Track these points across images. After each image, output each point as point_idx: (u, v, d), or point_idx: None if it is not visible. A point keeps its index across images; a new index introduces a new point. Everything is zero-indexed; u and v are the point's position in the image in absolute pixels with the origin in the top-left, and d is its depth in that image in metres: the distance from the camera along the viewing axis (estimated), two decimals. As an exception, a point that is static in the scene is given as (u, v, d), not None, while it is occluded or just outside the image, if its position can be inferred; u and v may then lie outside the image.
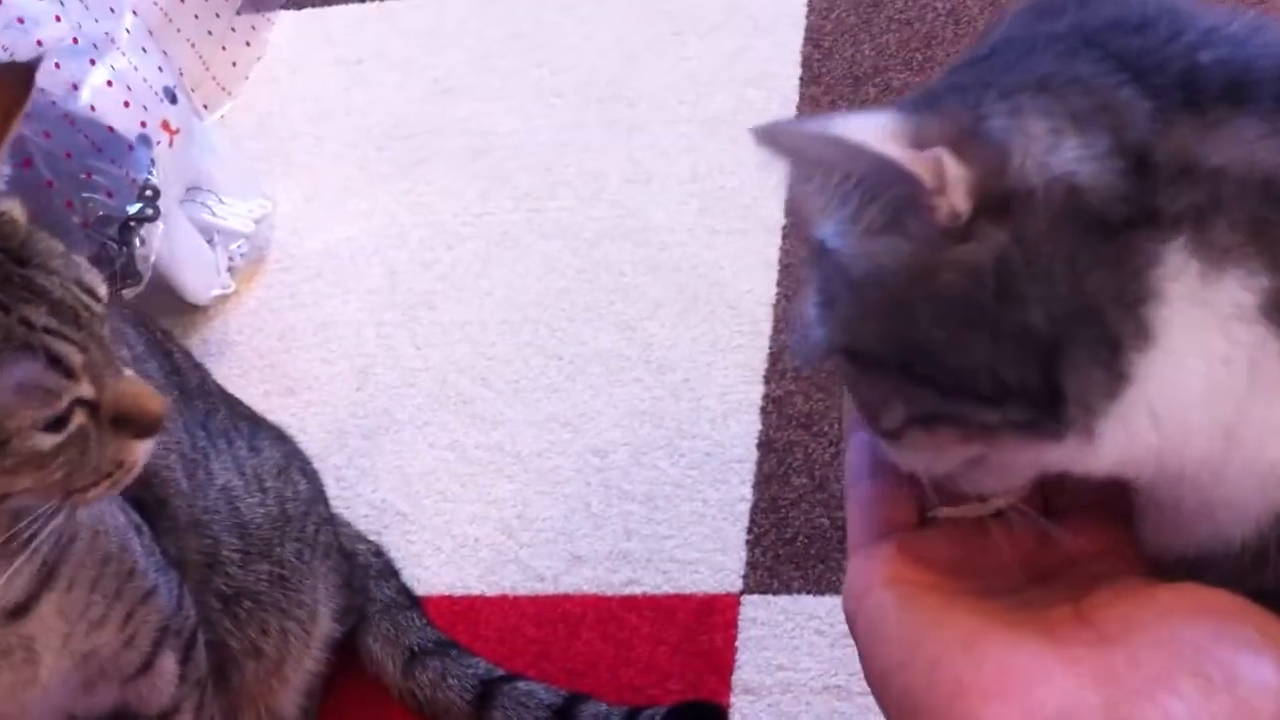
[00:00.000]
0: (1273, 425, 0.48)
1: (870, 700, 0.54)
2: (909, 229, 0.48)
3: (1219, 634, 0.48)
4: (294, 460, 1.16)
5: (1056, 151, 0.47)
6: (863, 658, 0.54)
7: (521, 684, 1.15)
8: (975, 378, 0.49)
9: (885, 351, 0.51)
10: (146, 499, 0.99)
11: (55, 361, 0.72)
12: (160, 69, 1.50)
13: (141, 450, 0.79)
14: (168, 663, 0.95)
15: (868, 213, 0.49)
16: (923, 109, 0.50)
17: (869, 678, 0.54)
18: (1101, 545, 0.55)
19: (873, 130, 0.47)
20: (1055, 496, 0.56)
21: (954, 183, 0.46)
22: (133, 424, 0.77)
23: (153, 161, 1.42)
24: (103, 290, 0.77)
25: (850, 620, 0.55)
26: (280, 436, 1.18)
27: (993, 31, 0.55)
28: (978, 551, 0.55)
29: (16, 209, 0.78)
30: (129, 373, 0.78)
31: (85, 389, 0.74)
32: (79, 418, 0.74)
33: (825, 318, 0.52)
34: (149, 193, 1.39)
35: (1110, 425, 0.48)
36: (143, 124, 1.43)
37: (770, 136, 0.50)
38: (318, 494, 1.17)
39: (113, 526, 0.89)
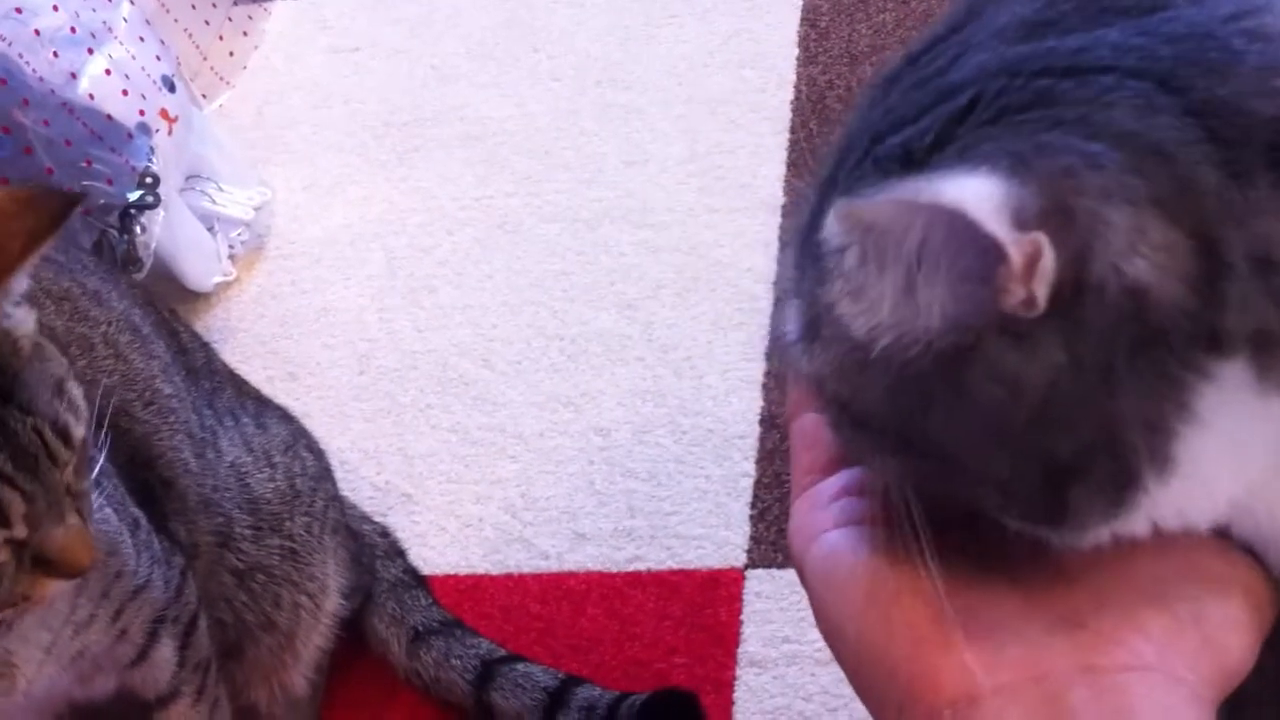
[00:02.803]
0: None
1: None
2: (960, 301, 0.43)
3: (1184, 570, 0.47)
4: (301, 438, 1.16)
5: (1133, 254, 0.41)
6: (814, 605, 0.50)
7: (520, 666, 1.16)
8: (981, 478, 0.45)
9: (879, 418, 0.47)
10: (153, 481, 0.99)
11: None
12: (158, 58, 1.51)
13: (54, 589, 0.78)
14: (165, 650, 0.95)
15: (895, 273, 0.43)
16: (1012, 155, 0.42)
17: (821, 625, 0.50)
18: None
19: (980, 200, 0.41)
20: None
21: (1043, 275, 0.41)
22: (54, 568, 0.76)
23: (152, 149, 1.43)
24: (79, 433, 0.76)
25: (798, 564, 0.52)
26: (286, 416, 1.19)
27: None
28: None
29: (26, 327, 0.76)
30: (73, 520, 0.77)
31: (18, 532, 0.73)
32: (2, 555, 0.74)
33: (807, 350, 0.48)
34: (149, 180, 1.40)
35: (1103, 534, 0.46)
36: (141, 112, 1.44)
37: (852, 213, 0.44)
38: (325, 471, 1.18)
39: (101, 533, 0.89)
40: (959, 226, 0.41)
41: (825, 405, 0.50)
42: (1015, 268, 0.41)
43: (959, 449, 0.45)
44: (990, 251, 0.41)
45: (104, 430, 0.84)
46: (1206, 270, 0.42)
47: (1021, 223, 0.41)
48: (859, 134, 0.48)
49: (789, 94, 1.61)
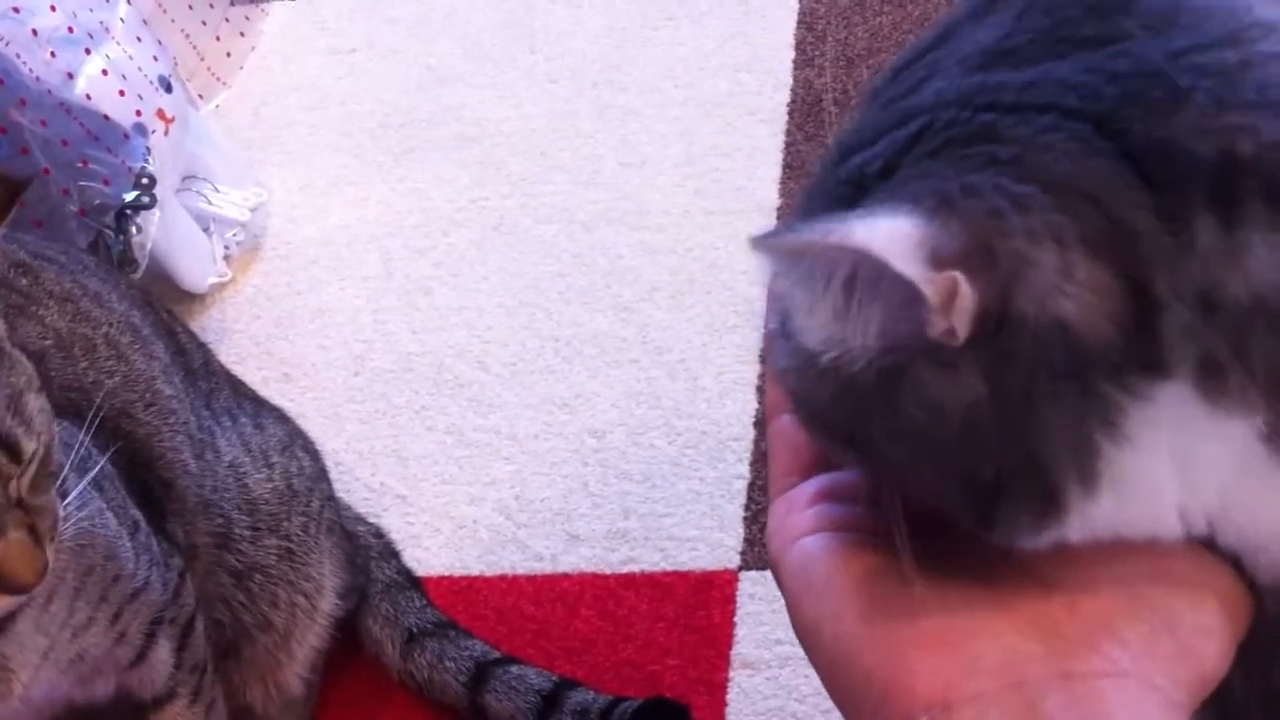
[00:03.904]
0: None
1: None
2: (890, 329, 0.45)
3: (1159, 576, 0.46)
4: (297, 438, 1.16)
5: (1059, 293, 0.42)
6: (790, 607, 0.50)
7: (514, 668, 1.16)
8: (918, 484, 0.48)
9: (830, 420, 0.49)
10: (153, 482, 0.99)
11: None
12: (155, 58, 1.51)
13: (2, 603, 0.78)
14: (162, 652, 0.95)
15: (827, 301, 0.46)
16: (937, 195, 0.44)
17: (796, 628, 0.50)
18: None
19: (890, 242, 0.43)
20: None
21: (961, 310, 0.43)
22: None
23: (148, 150, 1.43)
24: (29, 447, 0.76)
25: (775, 566, 0.52)
26: (283, 416, 1.19)
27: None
28: None
29: None
30: (15, 535, 0.76)
31: None
32: None
33: (780, 346, 0.49)
34: (145, 181, 1.40)
35: (1038, 542, 0.46)
36: (138, 112, 1.44)
37: (767, 247, 0.47)
38: (321, 471, 1.18)
39: (101, 536, 0.89)
40: (878, 264, 0.43)
41: (793, 402, 0.51)
42: (933, 303, 0.43)
43: (895, 459, 0.47)
44: (909, 287, 0.43)
45: (95, 431, 0.84)
46: (1137, 309, 0.42)
47: (938, 261, 0.43)
48: (836, 145, 0.49)
49: (785, 97, 1.61)
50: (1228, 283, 0.42)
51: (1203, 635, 0.45)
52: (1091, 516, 0.45)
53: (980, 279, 0.43)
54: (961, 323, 0.43)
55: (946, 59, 0.47)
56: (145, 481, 0.95)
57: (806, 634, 0.50)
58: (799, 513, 0.52)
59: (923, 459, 0.46)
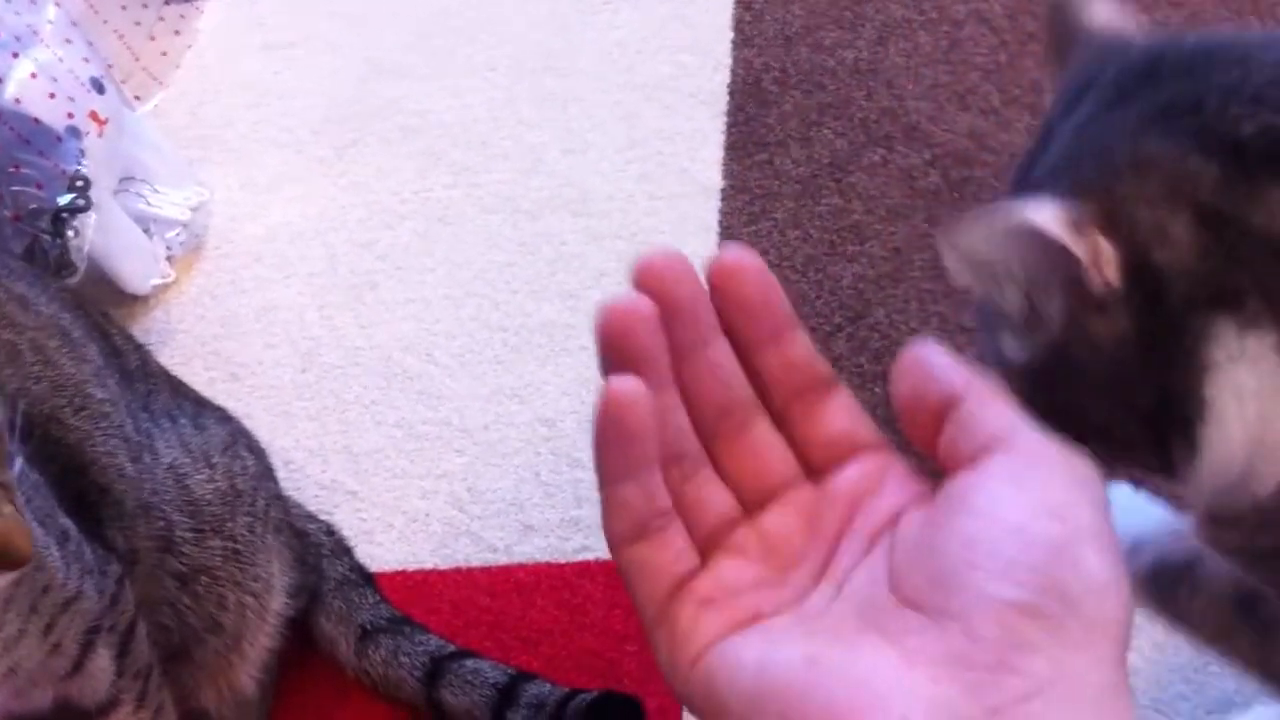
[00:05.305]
0: None
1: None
2: (1059, 303, 0.59)
3: (1025, 556, 0.43)
4: (240, 437, 1.15)
5: (1162, 242, 0.57)
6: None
7: (470, 662, 1.15)
8: (1105, 432, 0.60)
9: (1030, 392, 0.58)
10: (87, 488, 0.98)
11: None
12: (86, 60, 1.49)
13: None
14: (101, 660, 0.93)
15: (1013, 289, 0.60)
16: (1068, 183, 0.60)
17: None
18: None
19: (1043, 216, 0.57)
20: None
21: (1107, 262, 0.57)
22: None
23: (82, 152, 1.41)
24: None
25: (685, 699, 0.47)
26: (225, 416, 1.18)
27: (1076, 81, 0.64)
28: (772, 555, 0.48)
29: None
30: (8, 509, 0.75)
31: None
32: None
33: (984, 340, 0.64)
34: (80, 183, 1.38)
35: (1202, 478, 0.59)
36: (70, 115, 1.42)
37: (951, 245, 0.60)
38: (266, 470, 1.17)
39: None
40: (1039, 235, 0.57)
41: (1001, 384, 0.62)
42: (1085, 260, 0.57)
43: (1083, 409, 0.60)
44: (1064, 251, 0.57)
45: (20, 438, 0.83)
46: (1211, 237, 0.57)
47: (1081, 228, 0.57)
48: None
49: (725, 77, 1.60)
50: (1255, 220, 0.56)
51: (1099, 593, 0.43)
52: (1211, 451, 0.58)
53: (1113, 237, 0.57)
54: (1111, 273, 0.57)
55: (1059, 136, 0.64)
56: (79, 487, 0.94)
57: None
58: (690, 634, 0.47)
59: (1101, 399, 0.59)
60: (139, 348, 1.13)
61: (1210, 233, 0.56)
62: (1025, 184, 0.63)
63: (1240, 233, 0.56)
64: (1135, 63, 0.62)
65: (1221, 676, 1.05)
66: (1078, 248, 0.56)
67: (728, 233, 1.46)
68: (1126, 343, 0.58)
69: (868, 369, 1.31)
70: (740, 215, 1.47)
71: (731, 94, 1.59)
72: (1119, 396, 0.59)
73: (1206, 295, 0.56)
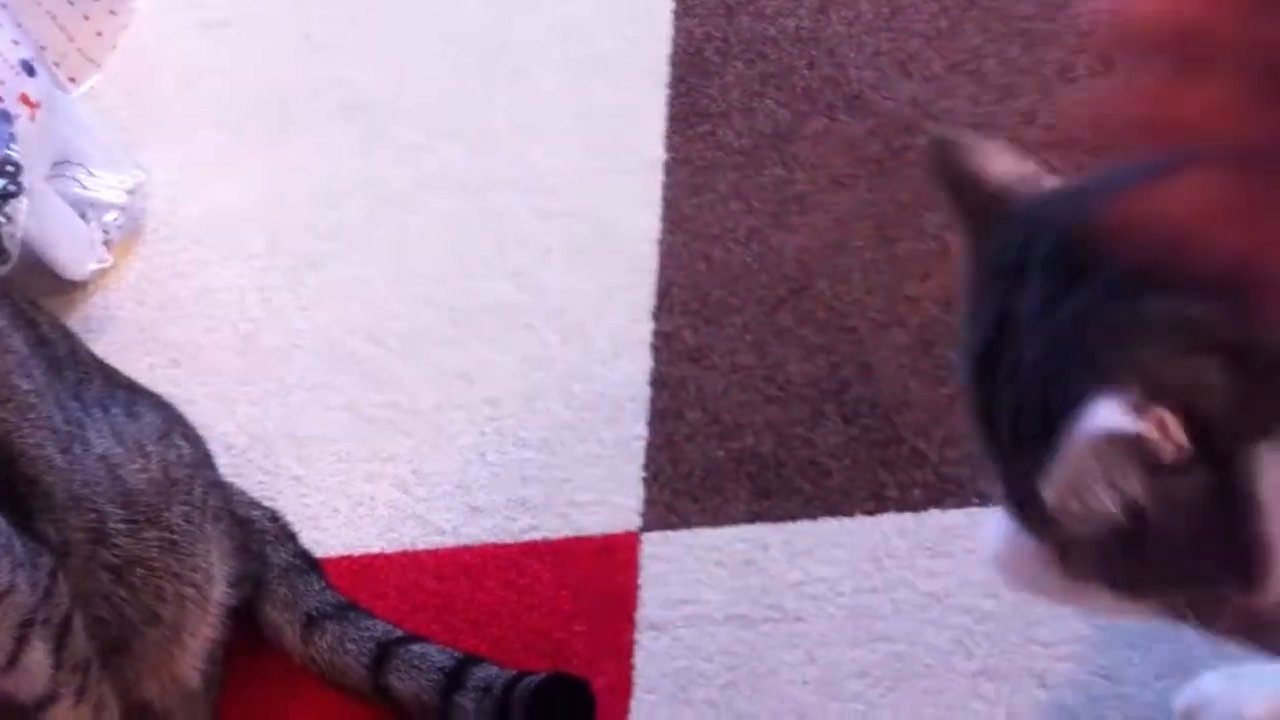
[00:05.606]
0: None
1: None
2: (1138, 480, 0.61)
3: None
4: (175, 425, 1.13)
5: (1205, 385, 0.59)
6: None
7: (416, 646, 1.14)
8: (1194, 581, 0.64)
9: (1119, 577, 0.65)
10: (15, 480, 0.96)
11: None
12: (15, 42, 1.46)
13: None
14: (37, 654, 0.92)
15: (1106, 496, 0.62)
16: (1098, 375, 0.61)
17: None
18: None
19: (1110, 417, 0.59)
20: None
21: (1174, 431, 0.59)
22: None
23: (12, 136, 1.38)
24: None
25: None
26: (160, 403, 1.16)
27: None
28: None
29: None
30: None
31: None
32: None
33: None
34: (10, 168, 1.36)
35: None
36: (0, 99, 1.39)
37: (1057, 486, 0.62)
38: (203, 458, 1.15)
39: None
40: (1112, 434, 0.59)
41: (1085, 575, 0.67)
42: (1153, 438, 0.59)
43: (1178, 568, 0.64)
44: (1136, 438, 0.59)
45: None
46: (1245, 378, 0.59)
47: (1140, 410, 0.59)
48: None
49: (667, 49, 1.59)
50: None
51: None
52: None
53: (1166, 404, 0.59)
54: (1180, 439, 0.59)
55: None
56: (7, 479, 0.92)
57: None
58: None
59: (1194, 551, 0.62)
60: (68, 336, 1.11)
61: (1239, 367, 0.59)
62: (1014, 385, 0.64)
63: (1269, 359, 0.58)
64: (1068, 231, 0.63)
65: (1170, 640, 1.05)
66: (1148, 430, 0.59)
67: (671, 205, 1.45)
68: (1210, 491, 0.60)
69: (812, 340, 1.30)
70: (683, 187, 1.46)
71: (673, 65, 1.57)
72: (1211, 544, 0.62)
73: (1248, 428, 0.59)
